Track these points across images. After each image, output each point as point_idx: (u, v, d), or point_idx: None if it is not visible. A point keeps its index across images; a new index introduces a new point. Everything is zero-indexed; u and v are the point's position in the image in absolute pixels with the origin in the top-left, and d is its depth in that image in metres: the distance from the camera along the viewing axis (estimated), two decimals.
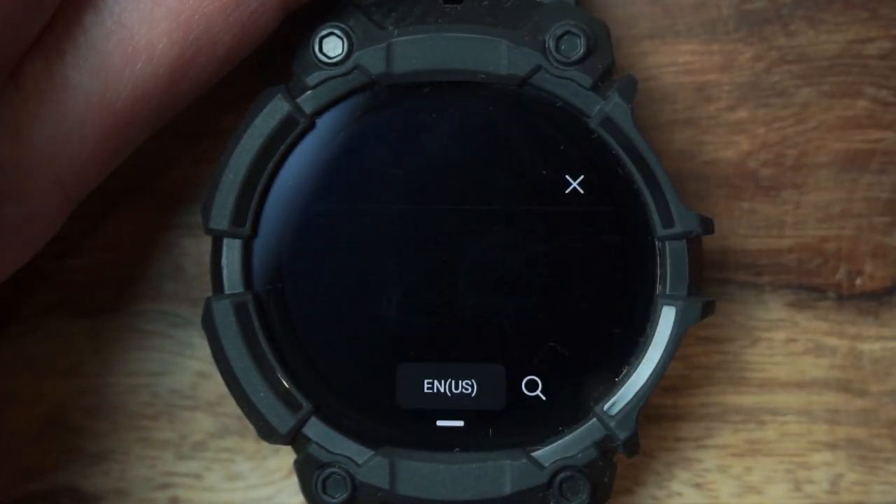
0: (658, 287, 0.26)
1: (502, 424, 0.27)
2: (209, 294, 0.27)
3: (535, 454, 0.27)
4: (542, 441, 0.27)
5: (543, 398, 0.27)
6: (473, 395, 0.27)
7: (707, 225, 0.26)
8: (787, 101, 0.29)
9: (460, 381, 0.27)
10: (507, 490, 0.26)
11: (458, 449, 0.27)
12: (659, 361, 0.26)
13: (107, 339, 0.30)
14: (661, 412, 0.30)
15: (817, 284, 0.30)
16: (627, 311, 0.27)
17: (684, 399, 0.30)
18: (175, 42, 0.25)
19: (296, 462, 0.27)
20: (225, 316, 0.26)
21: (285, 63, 0.27)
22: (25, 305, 0.30)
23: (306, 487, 0.27)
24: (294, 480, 0.28)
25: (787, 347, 0.30)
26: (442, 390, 0.27)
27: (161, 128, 0.27)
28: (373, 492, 0.27)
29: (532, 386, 0.27)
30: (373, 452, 0.27)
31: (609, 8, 0.29)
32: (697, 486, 0.30)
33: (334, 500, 0.27)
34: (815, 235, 0.30)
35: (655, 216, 0.26)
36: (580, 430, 0.27)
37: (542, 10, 0.26)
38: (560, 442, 0.27)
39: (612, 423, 0.26)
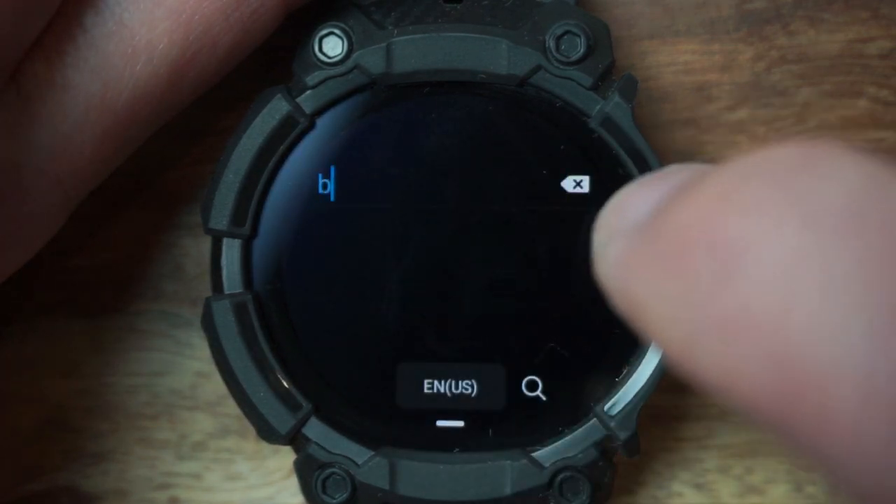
0: None
1: (502, 425, 0.27)
2: (209, 294, 0.27)
3: (536, 454, 0.27)
4: (543, 441, 0.27)
5: (544, 398, 0.27)
6: (473, 395, 0.27)
7: None
8: (787, 100, 0.29)
9: (460, 382, 0.27)
10: (508, 490, 0.26)
11: (458, 449, 0.27)
12: (659, 361, 0.26)
13: (107, 339, 0.30)
14: (661, 412, 0.30)
15: None
16: None
17: (684, 399, 0.30)
18: (175, 42, 0.25)
19: (296, 462, 0.27)
20: (225, 316, 0.27)
21: (285, 63, 0.27)
22: (25, 305, 0.30)
23: (306, 487, 0.27)
24: (294, 480, 0.28)
25: None
26: (442, 390, 0.27)
27: (161, 127, 0.27)
28: (373, 492, 0.27)
29: (532, 386, 0.27)
30: (373, 453, 0.27)
31: (609, 8, 0.29)
32: (698, 486, 0.30)
33: (334, 501, 0.27)
34: None
35: None
36: (580, 430, 0.27)
37: (541, 9, 0.26)
38: (560, 442, 0.27)
39: (613, 424, 0.26)
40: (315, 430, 0.27)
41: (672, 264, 0.16)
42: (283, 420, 0.27)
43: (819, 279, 0.15)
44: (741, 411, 0.16)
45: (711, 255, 0.16)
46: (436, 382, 0.27)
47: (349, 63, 0.26)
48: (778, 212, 0.16)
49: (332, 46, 0.26)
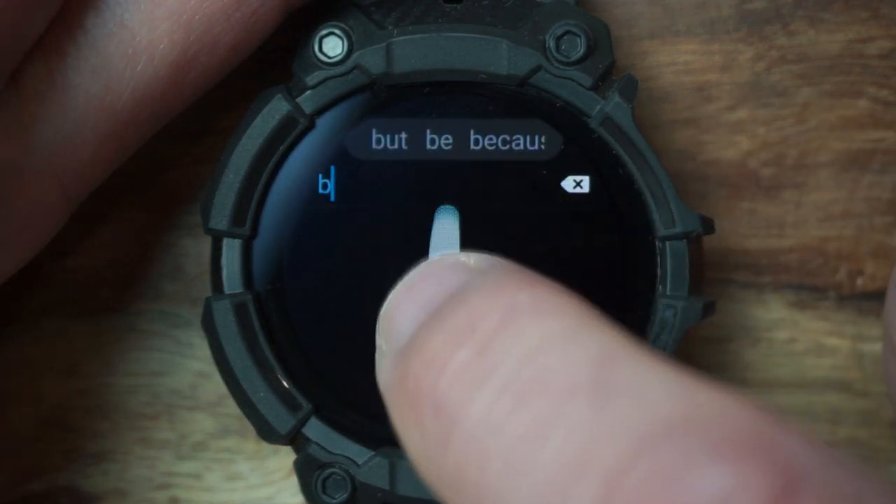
0: (658, 287, 0.26)
1: None
2: (209, 294, 0.27)
3: None
4: None
5: None
6: None
7: (708, 225, 0.26)
8: (787, 100, 0.29)
9: None
10: None
11: None
12: None
13: (107, 339, 0.30)
14: None
15: (818, 284, 0.30)
16: (628, 312, 0.26)
17: None
18: (176, 43, 0.25)
19: (296, 462, 0.27)
20: (225, 316, 0.27)
21: (285, 63, 0.27)
22: (25, 305, 0.30)
23: (306, 488, 0.27)
24: (294, 480, 0.28)
25: (787, 348, 0.30)
26: None
27: (161, 127, 0.27)
28: (373, 492, 0.27)
29: None
30: (373, 452, 0.27)
31: (609, 8, 0.29)
32: None
33: (334, 501, 0.26)
34: (816, 235, 0.30)
35: (656, 216, 0.26)
36: None
37: (542, 9, 0.26)
38: None
39: None
40: (315, 430, 0.27)
41: (411, 416, 0.19)
42: (283, 420, 0.27)
43: (498, 450, 0.17)
44: None
45: (434, 418, 0.18)
46: None
47: (349, 63, 0.26)
48: (476, 378, 0.18)
49: (332, 46, 0.26)
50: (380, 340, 0.21)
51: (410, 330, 0.20)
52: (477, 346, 0.18)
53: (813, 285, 0.30)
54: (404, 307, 0.21)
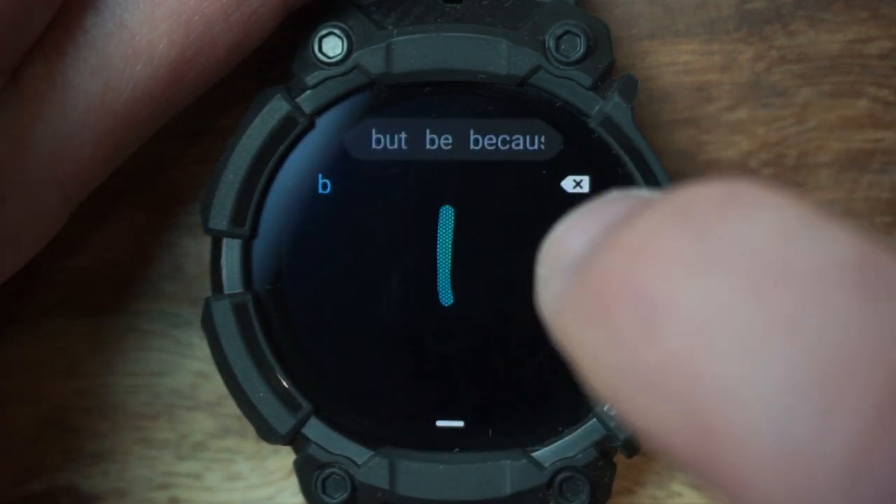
0: None
1: (502, 424, 0.27)
2: (209, 294, 0.27)
3: (535, 454, 0.27)
4: (542, 441, 0.27)
5: (544, 398, 0.27)
6: (473, 394, 0.27)
7: None
8: (787, 100, 0.29)
9: (460, 381, 0.27)
10: (507, 490, 0.26)
11: (457, 449, 0.27)
12: None
13: (107, 339, 0.30)
14: None
15: None
16: None
17: None
18: (175, 43, 0.25)
19: (295, 462, 0.27)
20: (224, 316, 0.27)
21: (285, 63, 0.27)
22: (25, 305, 0.30)
23: (306, 488, 0.27)
24: (294, 480, 0.28)
25: None
26: (442, 389, 0.27)
27: (161, 127, 0.27)
28: (373, 492, 0.27)
29: (532, 386, 0.27)
30: (372, 452, 0.27)
31: (609, 8, 0.29)
32: (698, 486, 0.30)
33: (334, 501, 0.27)
34: None
35: None
36: (580, 430, 0.27)
37: (541, 9, 0.26)
38: (560, 442, 0.27)
39: (612, 423, 0.26)
40: (315, 430, 0.27)
41: (598, 313, 0.17)
42: (283, 420, 0.27)
43: (732, 338, 0.15)
44: (665, 456, 0.16)
45: (633, 308, 0.16)
46: (435, 381, 0.27)
47: (349, 63, 0.26)
48: (695, 263, 0.16)
49: (332, 46, 0.26)
50: (542, 268, 0.19)
51: (589, 246, 0.17)
52: (692, 231, 0.16)
53: None
54: (578, 228, 0.18)
